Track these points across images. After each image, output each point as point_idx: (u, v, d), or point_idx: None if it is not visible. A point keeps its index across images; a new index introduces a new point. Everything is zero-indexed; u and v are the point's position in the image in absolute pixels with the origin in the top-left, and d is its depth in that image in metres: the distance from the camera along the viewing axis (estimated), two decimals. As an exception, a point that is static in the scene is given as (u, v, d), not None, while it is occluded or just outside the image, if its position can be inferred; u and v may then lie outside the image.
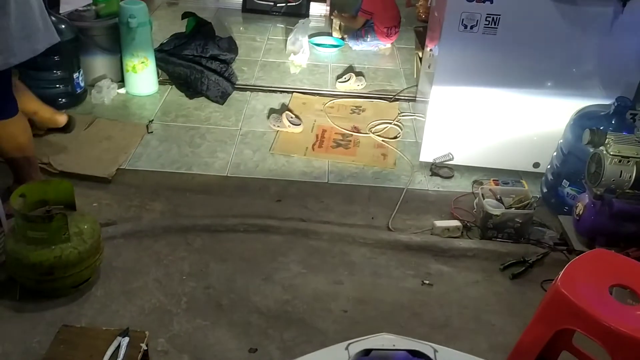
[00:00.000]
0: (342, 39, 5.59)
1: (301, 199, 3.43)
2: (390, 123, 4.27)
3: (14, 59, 2.66)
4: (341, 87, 4.74)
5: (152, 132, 3.96)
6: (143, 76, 4.35)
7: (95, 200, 3.25)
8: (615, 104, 3.12)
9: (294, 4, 6.24)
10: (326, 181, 3.62)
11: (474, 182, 3.65)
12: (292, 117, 4.15)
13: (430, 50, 3.89)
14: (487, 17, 3.27)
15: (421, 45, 4.58)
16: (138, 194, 3.34)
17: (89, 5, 4.33)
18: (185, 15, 4.85)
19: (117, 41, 4.29)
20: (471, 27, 3.32)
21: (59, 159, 3.49)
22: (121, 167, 3.54)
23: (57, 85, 4.04)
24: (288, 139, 4.01)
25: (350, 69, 5.08)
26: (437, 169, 3.74)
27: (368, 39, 5.44)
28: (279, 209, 3.33)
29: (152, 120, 4.08)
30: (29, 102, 3.40)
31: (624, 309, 1.99)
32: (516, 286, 2.90)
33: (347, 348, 1.45)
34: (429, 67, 3.89)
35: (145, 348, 2.08)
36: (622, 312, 1.94)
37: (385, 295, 2.78)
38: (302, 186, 3.55)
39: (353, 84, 4.74)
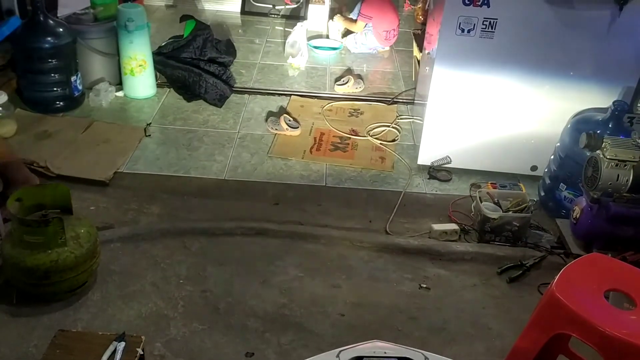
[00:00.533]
0: (341, 42, 5.59)
1: (299, 202, 3.43)
2: (389, 126, 4.27)
3: None
4: (339, 90, 4.74)
5: (150, 135, 3.96)
6: (141, 79, 4.35)
7: (92, 203, 3.25)
8: (613, 107, 3.12)
9: (293, 6, 6.24)
10: (324, 184, 3.62)
11: (472, 185, 3.65)
12: (290, 120, 4.16)
13: (428, 53, 3.90)
14: (484, 20, 3.28)
15: (419, 48, 4.58)
16: (135, 198, 3.34)
17: (87, 8, 4.34)
18: (184, 18, 4.85)
19: (115, 44, 4.30)
20: (468, 31, 3.32)
21: (56, 163, 3.49)
22: (119, 171, 3.54)
23: (55, 89, 4.05)
24: (286, 142, 4.01)
25: (348, 72, 5.08)
26: (435, 172, 3.74)
27: (366, 42, 5.45)
28: (277, 212, 3.33)
29: (150, 123, 4.08)
30: None
31: (619, 314, 1.98)
32: (513, 290, 2.90)
33: (338, 355, 1.45)
34: (427, 70, 3.89)
35: (142, 353, 2.08)
36: (617, 317, 1.94)
37: (382, 299, 2.78)
38: (300, 189, 3.55)
39: (351, 87, 4.75)
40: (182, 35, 4.71)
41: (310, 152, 3.93)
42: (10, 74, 4.19)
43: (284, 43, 5.38)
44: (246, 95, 4.60)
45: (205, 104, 4.41)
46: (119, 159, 3.63)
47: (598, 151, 2.92)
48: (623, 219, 2.89)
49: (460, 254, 3.07)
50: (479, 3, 3.24)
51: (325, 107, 4.50)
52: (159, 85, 4.54)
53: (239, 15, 6.32)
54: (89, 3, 4.35)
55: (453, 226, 3.22)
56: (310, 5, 6.07)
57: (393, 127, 4.27)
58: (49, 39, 3.90)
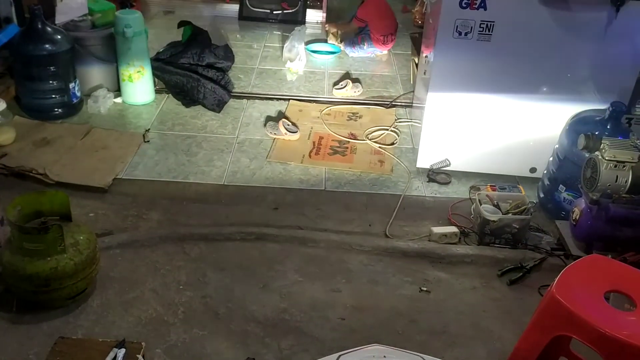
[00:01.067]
0: (339, 46, 5.60)
1: (298, 206, 3.43)
2: (387, 129, 4.28)
3: None
4: (338, 94, 4.74)
5: (148, 141, 3.96)
6: (139, 85, 4.36)
7: (91, 210, 3.24)
8: (610, 108, 3.12)
9: (290, 11, 6.25)
10: (323, 188, 3.62)
11: (471, 187, 3.65)
12: (288, 125, 4.16)
13: (426, 56, 3.90)
14: (481, 23, 3.29)
15: (417, 51, 4.59)
16: (135, 204, 3.34)
17: (84, 15, 4.34)
18: (181, 24, 4.86)
19: (113, 51, 4.30)
20: (465, 34, 3.32)
21: (55, 170, 3.49)
22: (118, 177, 3.54)
23: (54, 96, 4.05)
24: (285, 147, 4.02)
25: (346, 76, 5.09)
26: (434, 175, 3.74)
27: (364, 46, 5.46)
28: (276, 217, 3.33)
29: (149, 129, 4.08)
30: None
31: (619, 315, 1.98)
32: (514, 292, 2.90)
33: (338, 359, 1.45)
34: (424, 73, 3.90)
35: (142, 359, 2.08)
36: (617, 318, 1.94)
37: (382, 303, 2.78)
38: (299, 194, 3.55)
39: (350, 91, 4.75)
40: (180, 41, 4.72)
41: (309, 156, 3.93)
42: (8, 81, 4.19)
43: (282, 48, 5.39)
44: (245, 100, 4.61)
45: (203, 109, 4.41)
46: (117, 166, 3.63)
47: (597, 152, 2.92)
48: (622, 220, 2.89)
49: (460, 257, 3.07)
50: (476, 6, 3.25)
51: (323, 111, 4.50)
52: (157, 91, 4.54)
53: (237, 20, 6.33)
54: (87, 10, 4.36)
55: (453, 229, 3.22)
56: (307, 10, 6.09)
57: (392, 131, 4.27)
58: (47, 46, 3.91)
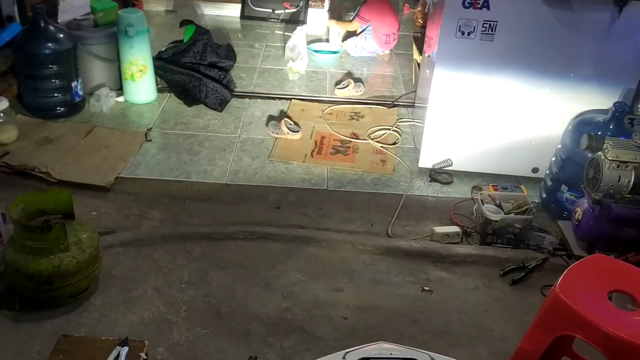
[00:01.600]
0: (341, 45, 5.60)
1: (300, 206, 3.43)
2: (389, 129, 4.28)
3: None
4: (340, 94, 4.74)
5: (150, 140, 3.96)
6: (141, 84, 4.36)
7: (94, 209, 3.25)
8: (613, 109, 3.12)
9: (292, 10, 6.25)
10: (325, 188, 3.62)
11: (473, 187, 3.65)
12: (290, 124, 4.16)
13: (428, 56, 3.90)
14: (484, 23, 3.28)
15: (419, 51, 4.59)
16: (137, 203, 3.34)
17: (87, 14, 4.34)
18: (184, 23, 4.86)
19: (115, 49, 4.31)
20: (468, 34, 3.32)
21: (57, 168, 3.49)
22: (120, 176, 3.54)
23: (56, 94, 4.05)
24: (287, 146, 4.02)
25: (348, 75, 5.08)
26: (436, 175, 3.74)
27: (366, 46, 5.45)
28: (278, 216, 3.33)
29: (151, 128, 4.08)
30: None
31: (623, 315, 1.98)
32: (516, 292, 2.90)
33: (344, 357, 1.45)
34: (427, 72, 3.89)
35: (145, 357, 2.08)
36: (620, 318, 1.94)
37: (385, 302, 2.78)
38: (301, 193, 3.55)
39: (352, 90, 4.75)
40: (182, 40, 4.71)
41: (311, 155, 3.93)
42: (11, 80, 4.19)
43: (284, 47, 5.39)
44: (247, 100, 4.61)
45: (205, 108, 4.41)
46: (120, 164, 3.63)
47: (599, 152, 2.92)
48: (625, 220, 2.89)
49: (463, 257, 3.07)
50: (479, 5, 3.25)
51: (325, 111, 4.50)
52: (159, 90, 4.54)
53: (239, 19, 6.32)
54: (89, 9, 4.36)
55: (455, 229, 3.22)
56: (309, 9, 6.08)
57: (394, 130, 4.27)
58: (50, 44, 3.91)
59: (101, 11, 4.35)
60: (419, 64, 4.55)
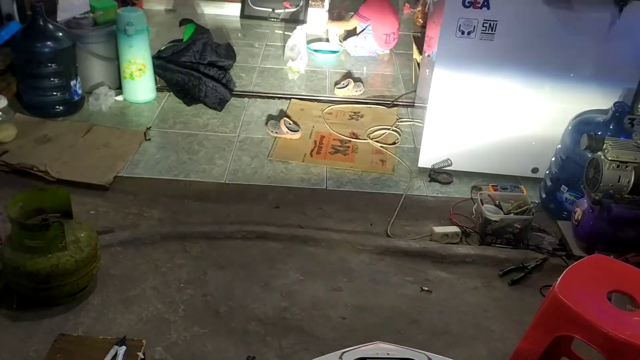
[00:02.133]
0: (340, 45, 5.59)
1: (299, 205, 3.42)
2: (389, 129, 4.27)
3: None
4: (339, 93, 4.74)
5: (149, 139, 3.95)
6: (141, 83, 4.35)
7: (92, 207, 3.24)
8: (613, 109, 3.12)
9: (292, 9, 6.25)
10: (324, 187, 3.61)
11: (473, 187, 3.64)
12: (290, 124, 4.15)
13: (428, 55, 3.89)
14: (484, 22, 3.28)
15: (419, 50, 4.58)
16: (136, 202, 3.33)
17: (86, 13, 4.34)
18: (183, 22, 4.85)
19: (114, 48, 4.30)
20: (468, 33, 3.32)
21: (56, 167, 3.48)
22: (119, 175, 3.53)
23: (55, 93, 4.04)
24: (286, 146, 4.01)
25: (348, 75, 5.08)
26: (436, 175, 3.74)
27: (366, 45, 5.44)
28: (277, 215, 3.32)
29: (150, 127, 4.08)
30: None
31: (622, 315, 1.98)
32: (515, 292, 2.89)
33: (341, 357, 1.44)
34: (427, 72, 3.89)
35: (143, 357, 2.07)
36: (620, 318, 1.93)
37: (384, 302, 2.77)
38: (301, 193, 3.54)
39: (351, 90, 4.74)
40: (182, 39, 4.71)
41: (311, 155, 3.92)
42: (9, 79, 4.18)
43: (284, 46, 5.38)
44: (246, 99, 4.60)
45: (205, 107, 4.40)
46: (118, 163, 3.62)
47: (599, 153, 2.92)
48: (624, 220, 2.88)
49: (462, 257, 3.07)
50: (479, 5, 3.24)
51: (325, 110, 4.50)
52: (158, 89, 4.53)
53: (239, 19, 6.32)
54: (89, 7, 4.35)
55: (454, 229, 3.21)
56: (309, 9, 6.08)
57: (393, 130, 4.26)
58: (49, 43, 3.90)
59: (100, 10, 4.34)
60: (418, 64, 4.55)
